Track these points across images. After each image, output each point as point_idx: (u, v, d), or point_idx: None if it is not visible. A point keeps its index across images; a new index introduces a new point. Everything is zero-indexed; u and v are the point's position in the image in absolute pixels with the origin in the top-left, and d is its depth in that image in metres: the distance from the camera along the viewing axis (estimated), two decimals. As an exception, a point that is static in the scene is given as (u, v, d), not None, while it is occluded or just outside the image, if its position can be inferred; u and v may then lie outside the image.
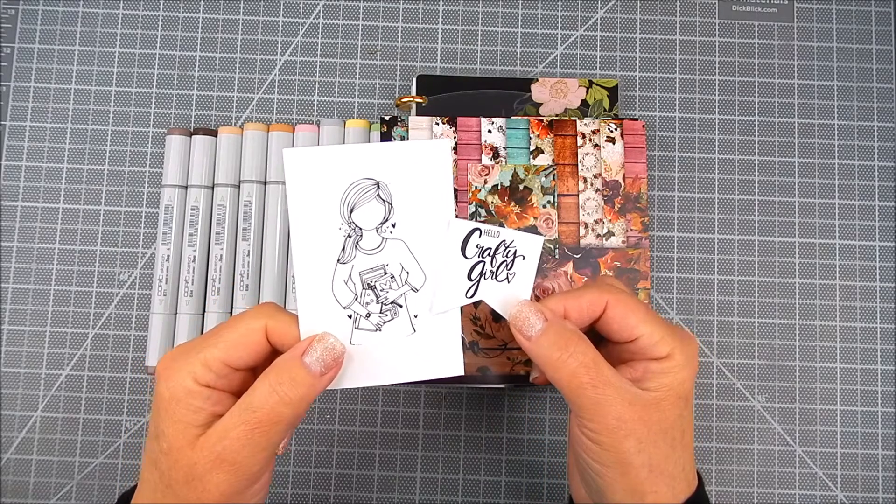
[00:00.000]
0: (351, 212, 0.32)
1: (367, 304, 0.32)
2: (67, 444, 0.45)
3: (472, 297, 0.33)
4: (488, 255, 0.33)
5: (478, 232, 0.33)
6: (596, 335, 0.33)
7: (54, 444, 0.45)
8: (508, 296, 0.33)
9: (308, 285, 0.32)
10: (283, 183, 0.45)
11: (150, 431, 0.30)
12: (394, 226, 0.32)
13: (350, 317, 0.32)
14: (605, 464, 0.31)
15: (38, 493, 0.44)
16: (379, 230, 0.32)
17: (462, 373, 0.33)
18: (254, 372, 0.31)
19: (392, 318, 0.32)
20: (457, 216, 0.43)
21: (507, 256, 0.34)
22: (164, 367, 0.29)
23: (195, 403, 0.29)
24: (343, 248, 0.32)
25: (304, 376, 0.29)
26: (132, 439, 0.45)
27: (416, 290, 0.32)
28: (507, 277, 0.33)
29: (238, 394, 0.30)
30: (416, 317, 0.32)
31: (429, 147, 0.32)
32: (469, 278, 0.33)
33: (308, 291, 0.32)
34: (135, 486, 0.33)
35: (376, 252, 0.32)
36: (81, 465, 0.45)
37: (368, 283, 0.32)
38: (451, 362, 0.33)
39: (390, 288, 0.32)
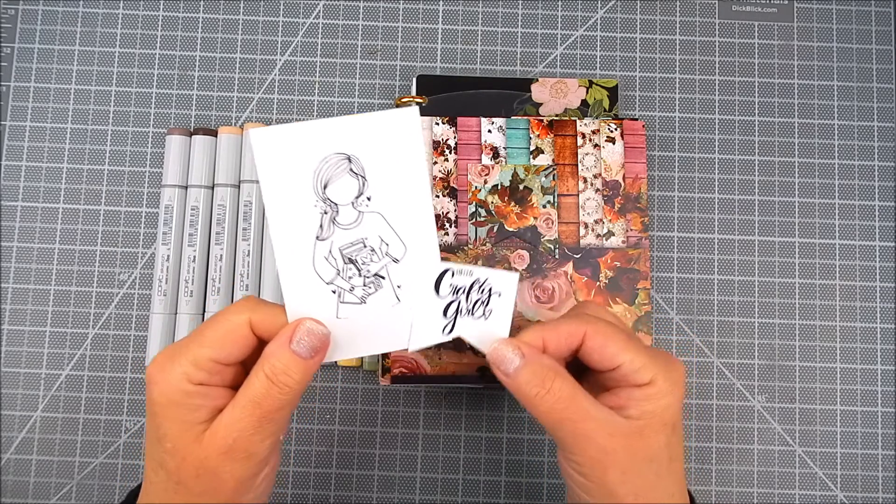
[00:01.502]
0: (325, 188, 0.31)
1: (350, 278, 0.32)
2: (67, 444, 0.45)
3: (449, 333, 0.33)
4: (462, 293, 0.33)
5: (450, 272, 0.33)
6: (581, 364, 0.33)
7: (54, 444, 0.45)
8: (486, 332, 0.33)
9: (289, 265, 0.32)
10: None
11: (150, 435, 0.30)
12: (369, 199, 0.32)
13: (334, 292, 0.32)
14: (592, 494, 0.31)
15: (38, 493, 0.44)
16: (355, 204, 0.32)
17: (449, 338, 0.33)
18: (243, 364, 0.32)
19: (376, 290, 0.32)
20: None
21: (481, 294, 0.33)
22: (155, 371, 0.30)
23: (194, 402, 0.29)
24: (320, 225, 0.32)
25: (296, 363, 0.30)
26: (132, 439, 0.45)
27: (396, 261, 0.32)
28: (484, 314, 0.33)
29: (232, 386, 0.31)
30: (399, 287, 0.33)
31: (397, 116, 0.31)
32: (444, 315, 0.33)
33: (290, 271, 0.32)
34: (139, 486, 0.33)
35: (354, 226, 0.32)
36: (81, 465, 0.45)
37: (349, 258, 0.32)
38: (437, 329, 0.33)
39: (371, 261, 0.32)
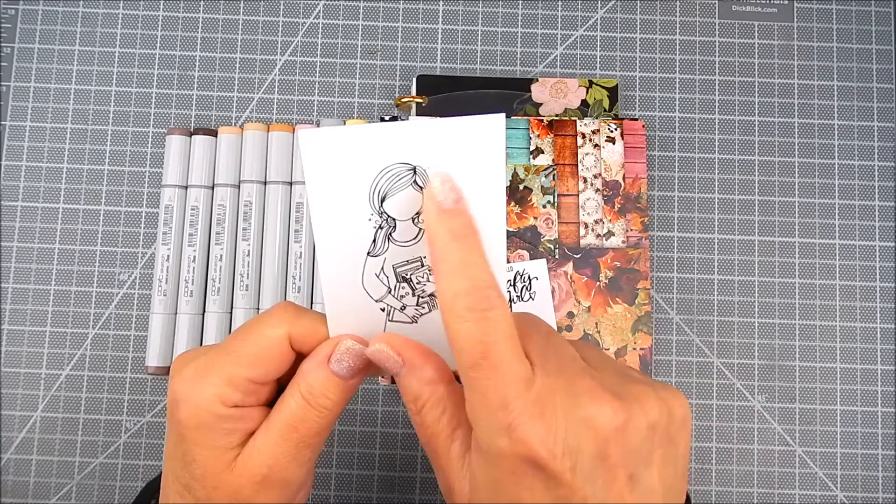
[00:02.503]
0: (382, 201, 0.27)
1: (402, 297, 0.29)
2: (67, 444, 0.45)
3: None
4: (510, 285, 0.41)
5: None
6: None
7: (54, 444, 0.45)
8: (537, 311, 0.36)
9: (335, 279, 0.28)
10: (283, 183, 0.45)
11: (174, 455, 0.27)
12: None
13: (383, 309, 0.29)
14: None
15: (38, 493, 0.44)
16: (416, 220, 0.28)
17: None
18: (277, 379, 0.29)
19: (430, 311, 0.29)
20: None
21: (524, 281, 0.40)
22: (184, 389, 0.26)
23: (227, 426, 0.26)
24: (374, 241, 0.28)
25: (334, 384, 0.27)
26: (132, 439, 0.45)
27: None
28: (532, 296, 0.39)
29: (264, 404, 0.28)
30: None
31: (479, 124, 0.27)
32: None
33: (335, 285, 0.28)
34: (156, 479, 0.32)
35: (412, 244, 0.28)
36: (81, 465, 0.45)
37: (403, 276, 0.28)
38: None
39: (428, 281, 0.29)
